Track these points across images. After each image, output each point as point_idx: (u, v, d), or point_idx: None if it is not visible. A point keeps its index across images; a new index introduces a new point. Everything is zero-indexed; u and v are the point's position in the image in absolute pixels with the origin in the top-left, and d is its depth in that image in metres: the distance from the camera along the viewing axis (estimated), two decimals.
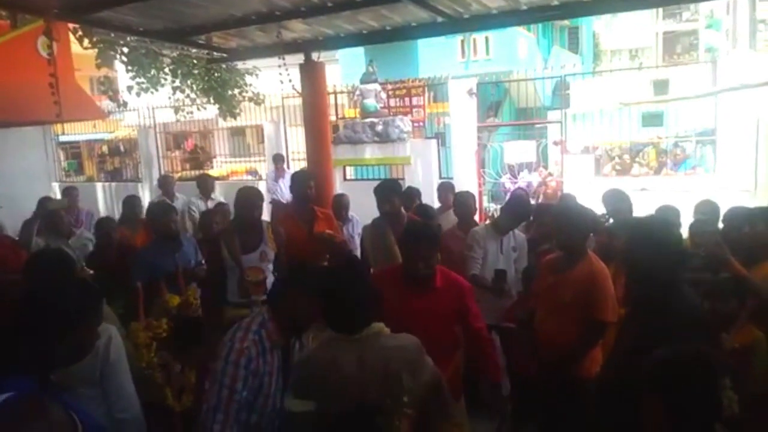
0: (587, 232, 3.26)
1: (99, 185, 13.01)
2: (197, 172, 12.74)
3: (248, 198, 3.96)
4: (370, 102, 9.83)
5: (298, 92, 6.67)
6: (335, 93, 10.58)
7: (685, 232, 4.12)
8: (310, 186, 4.44)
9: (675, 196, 6.65)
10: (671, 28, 37.46)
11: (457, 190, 6.38)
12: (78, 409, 1.62)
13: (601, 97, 10.94)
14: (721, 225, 3.82)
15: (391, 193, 4.12)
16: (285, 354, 2.28)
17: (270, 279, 3.72)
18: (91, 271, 3.88)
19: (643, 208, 4.36)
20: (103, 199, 12.08)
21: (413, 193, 5.60)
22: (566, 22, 21.30)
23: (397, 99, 10.83)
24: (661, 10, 29.94)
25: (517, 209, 4.31)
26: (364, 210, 4.19)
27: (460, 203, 4.86)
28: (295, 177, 4.67)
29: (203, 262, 4.19)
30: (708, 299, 2.78)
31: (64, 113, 4.50)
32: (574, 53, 22.28)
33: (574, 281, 3.08)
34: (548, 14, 5.83)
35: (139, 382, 2.64)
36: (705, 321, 2.34)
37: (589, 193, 7.99)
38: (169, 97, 10.22)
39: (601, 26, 32.76)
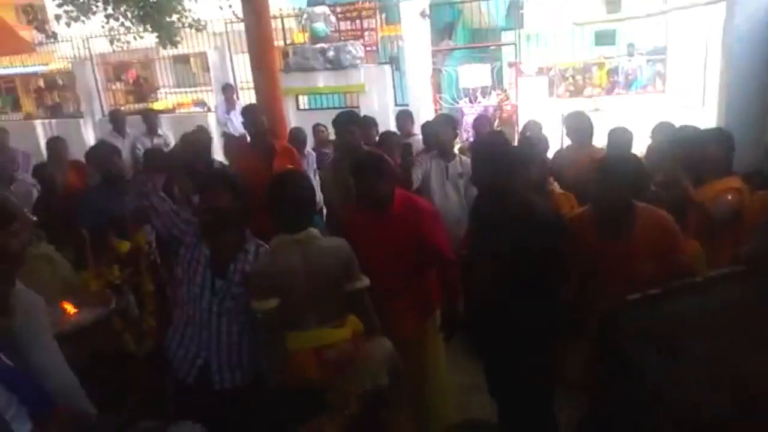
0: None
1: (38, 123, 12.30)
2: (142, 105, 12.15)
3: (196, 143, 3.95)
4: (320, 26, 9.41)
5: (239, 18, 6.29)
6: (281, 17, 10.07)
7: (640, 152, 4.22)
8: (262, 121, 4.27)
9: (627, 116, 6.75)
10: None
11: (414, 118, 6.27)
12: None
13: (555, 17, 10.78)
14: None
15: (350, 124, 4.07)
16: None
17: None
18: (35, 218, 3.72)
19: (597, 128, 4.40)
20: (44, 138, 11.43)
21: (369, 123, 5.40)
22: None
23: (348, 22, 10.38)
24: None
25: (446, 129, 4.29)
26: None
27: (427, 132, 4.85)
28: (246, 112, 4.42)
29: None
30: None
31: None
32: None
33: None
34: None
35: (97, 330, 2.59)
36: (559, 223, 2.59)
37: (543, 115, 8.06)
38: (103, 26, 9.49)
39: None
